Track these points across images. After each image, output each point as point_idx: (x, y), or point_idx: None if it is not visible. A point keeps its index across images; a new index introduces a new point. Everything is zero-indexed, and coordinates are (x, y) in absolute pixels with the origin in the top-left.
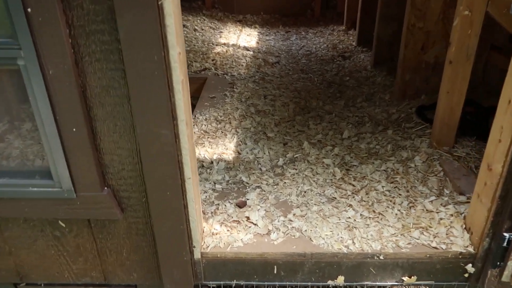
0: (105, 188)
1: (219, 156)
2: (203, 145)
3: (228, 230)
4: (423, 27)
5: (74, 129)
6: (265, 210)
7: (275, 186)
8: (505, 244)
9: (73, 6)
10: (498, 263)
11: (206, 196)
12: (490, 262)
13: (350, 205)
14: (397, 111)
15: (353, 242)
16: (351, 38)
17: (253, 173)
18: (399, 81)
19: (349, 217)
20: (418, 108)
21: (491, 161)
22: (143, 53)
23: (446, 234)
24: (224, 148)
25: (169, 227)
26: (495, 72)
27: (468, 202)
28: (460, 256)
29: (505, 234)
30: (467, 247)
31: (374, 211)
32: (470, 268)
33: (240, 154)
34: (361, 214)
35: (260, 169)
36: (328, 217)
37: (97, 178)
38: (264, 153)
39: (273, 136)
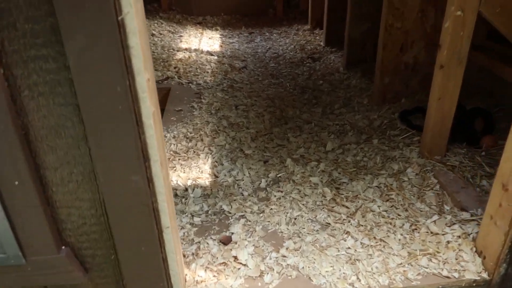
0: (63, 247)
1: (194, 182)
2: (175, 169)
3: (214, 276)
4: (401, 27)
5: (16, 182)
6: (253, 245)
7: (261, 215)
8: None
9: (3, 26)
10: None
11: (184, 233)
12: None
13: (348, 232)
14: (378, 117)
15: (357, 278)
16: (318, 38)
17: (234, 200)
18: (378, 85)
19: (349, 247)
20: (401, 113)
21: (507, 181)
22: (101, 83)
23: (456, 259)
24: (199, 171)
25: (147, 287)
26: (474, 70)
27: (473, 219)
28: (474, 284)
29: None
30: (480, 273)
31: (375, 238)
32: None
33: (217, 177)
34: (361, 243)
35: (242, 194)
36: (326, 249)
37: (51, 238)
38: (244, 174)
39: (251, 153)
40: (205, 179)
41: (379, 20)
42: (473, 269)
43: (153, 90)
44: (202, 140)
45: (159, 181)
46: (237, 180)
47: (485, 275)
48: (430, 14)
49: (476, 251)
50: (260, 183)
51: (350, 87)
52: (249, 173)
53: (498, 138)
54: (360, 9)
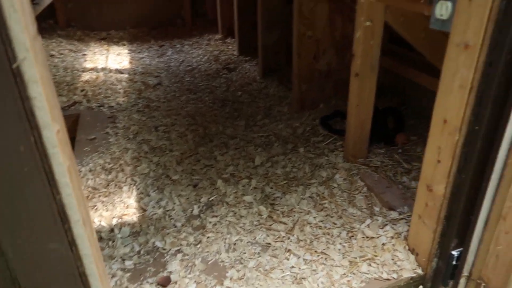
0: None
1: (120, 220)
2: (96, 208)
3: None
4: (312, 35)
5: None
6: (195, 281)
7: (198, 246)
8: (454, 262)
9: None
10: (449, 281)
11: (116, 282)
12: (440, 281)
13: (289, 250)
14: (301, 125)
15: None
16: (230, 47)
17: (167, 234)
18: (296, 93)
19: (293, 266)
20: (321, 119)
21: (431, 182)
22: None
23: (392, 260)
24: (124, 207)
25: None
26: (381, 72)
27: (402, 218)
28: (411, 281)
29: (453, 252)
30: (415, 269)
31: (316, 251)
32: None
33: (145, 210)
34: (304, 259)
35: (175, 225)
36: (270, 272)
37: None
38: (174, 203)
39: (179, 178)
40: (132, 214)
41: (289, 28)
42: (409, 267)
43: (66, 142)
44: (122, 170)
45: (83, 242)
46: (167, 211)
47: (419, 270)
48: (337, 23)
49: (409, 249)
50: (192, 210)
51: (269, 96)
52: (179, 200)
53: (409, 134)
54: (270, 17)
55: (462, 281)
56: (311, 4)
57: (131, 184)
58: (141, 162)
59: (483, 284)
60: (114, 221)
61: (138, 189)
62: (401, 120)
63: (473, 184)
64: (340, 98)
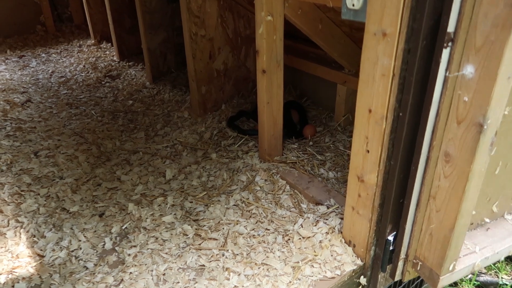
0: None
1: (10, 275)
2: None
3: None
4: (205, 34)
5: None
6: None
7: (121, 286)
8: (391, 247)
9: None
10: (387, 266)
11: None
12: (378, 267)
13: (227, 269)
14: (206, 129)
15: None
16: (108, 53)
17: (78, 280)
18: (195, 96)
19: (236, 286)
20: (228, 120)
21: (361, 172)
22: None
23: (332, 256)
24: (13, 258)
25: None
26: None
27: (332, 212)
28: (353, 273)
29: (389, 238)
30: (354, 261)
31: (256, 264)
32: (363, 280)
33: (43, 257)
34: (245, 275)
35: (86, 267)
36: None
37: None
38: (79, 240)
39: (79, 209)
40: (27, 265)
41: (176, 28)
42: (348, 260)
43: None
44: (1, 211)
45: None
46: (72, 252)
47: (359, 261)
48: (229, 20)
49: (345, 242)
50: (104, 244)
51: (165, 102)
52: (85, 236)
53: (315, 126)
54: (152, 19)
55: (400, 264)
56: (199, 1)
57: (16, 227)
58: (24, 198)
59: (420, 263)
60: (3, 278)
61: (28, 231)
62: (303, 112)
63: (402, 169)
64: (241, 97)
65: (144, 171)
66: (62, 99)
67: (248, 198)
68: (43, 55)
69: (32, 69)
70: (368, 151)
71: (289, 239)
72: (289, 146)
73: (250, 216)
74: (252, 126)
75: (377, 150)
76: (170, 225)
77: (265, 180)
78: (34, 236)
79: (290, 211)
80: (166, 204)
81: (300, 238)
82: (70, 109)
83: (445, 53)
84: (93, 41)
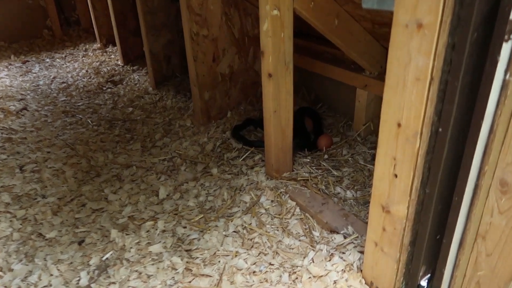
0: None
1: None
2: None
3: None
4: (208, 34)
5: None
6: None
7: None
8: None
9: None
10: None
11: None
12: None
13: None
14: (209, 140)
15: None
16: (113, 57)
17: None
18: (198, 102)
19: None
20: (233, 130)
21: (387, 202)
22: None
23: None
24: None
25: None
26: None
27: (350, 243)
28: None
29: (422, 283)
30: None
31: None
32: None
33: None
34: None
35: None
36: None
37: None
38: (51, 275)
39: (57, 235)
40: None
41: (181, 30)
42: None
43: None
44: None
45: None
46: None
47: None
48: (234, 18)
49: (366, 283)
50: (79, 280)
51: (167, 109)
52: (58, 269)
53: (331, 136)
54: (154, 20)
55: None
56: None
57: None
58: None
59: None
60: None
61: None
62: (319, 120)
63: (441, 199)
64: (249, 103)
65: (135, 188)
66: (59, 107)
67: (250, 223)
68: (48, 60)
69: (34, 75)
70: (396, 176)
71: (296, 278)
72: (300, 160)
73: (252, 246)
74: (260, 136)
75: (408, 175)
76: (157, 257)
77: (272, 201)
78: (1, 270)
79: (300, 240)
80: (156, 229)
81: (310, 277)
82: (66, 118)
83: (506, 48)
84: (99, 45)
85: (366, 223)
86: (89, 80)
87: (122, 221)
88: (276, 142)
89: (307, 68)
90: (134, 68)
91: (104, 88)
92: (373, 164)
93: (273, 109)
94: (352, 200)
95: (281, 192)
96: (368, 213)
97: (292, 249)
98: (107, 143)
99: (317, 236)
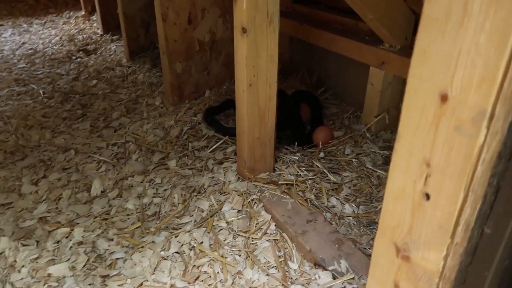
0: None
1: None
2: None
3: None
4: None
5: None
6: None
7: None
8: None
9: None
10: None
11: None
12: None
13: None
14: (176, 123)
15: None
16: (95, 25)
17: None
18: (168, 76)
19: None
20: (206, 112)
21: (407, 240)
22: None
23: None
24: None
25: None
26: (282, 41)
27: (340, 280)
28: None
29: None
30: None
31: None
32: None
33: None
34: None
35: None
36: None
37: None
38: None
39: None
40: None
41: None
42: None
43: None
44: None
45: None
46: None
47: None
48: None
49: None
50: None
51: (137, 84)
52: None
53: (332, 128)
54: None
55: None
56: None
57: None
58: None
59: None
60: None
61: None
62: (318, 108)
63: None
64: (234, 82)
65: (63, 180)
66: (14, 74)
67: (201, 242)
68: (24, 25)
69: (3, 39)
70: (427, 197)
71: None
72: (286, 158)
73: (197, 278)
74: None
75: (454, 196)
76: (57, 283)
77: (238, 211)
78: None
79: (268, 275)
80: (70, 240)
81: None
82: (16, 86)
83: None
84: (83, 12)
85: (369, 256)
86: (60, 48)
87: (28, 223)
88: (251, 130)
89: (309, 40)
90: (113, 37)
91: (73, 58)
92: (386, 171)
93: (247, 82)
94: (351, 218)
95: (253, 200)
96: (373, 240)
97: None
98: (52, 119)
99: (294, 271)
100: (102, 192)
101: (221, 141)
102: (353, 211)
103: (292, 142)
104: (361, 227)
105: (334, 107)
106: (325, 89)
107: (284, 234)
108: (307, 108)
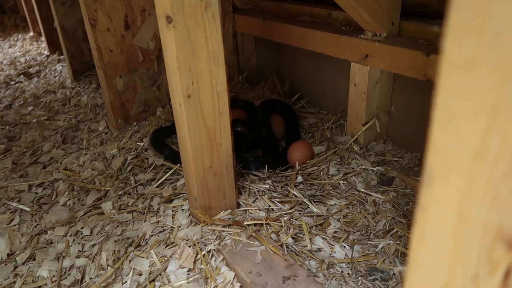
0: None
1: None
2: None
3: None
4: None
5: None
6: None
7: None
8: None
9: None
10: None
11: None
12: None
13: None
14: (120, 151)
15: None
16: (44, 45)
17: None
18: (107, 94)
19: None
20: (153, 135)
21: None
22: None
23: None
24: None
25: None
26: (245, 41)
27: None
28: None
29: None
30: None
31: None
32: None
33: None
34: None
35: None
36: None
37: None
38: None
39: None
40: None
41: None
42: None
43: None
44: None
45: None
46: None
47: None
48: None
49: None
50: None
51: (80, 108)
52: None
53: (311, 144)
54: None
55: None
56: None
57: None
58: None
59: None
60: None
61: None
62: (293, 120)
63: None
64: None
65: None
66: None
67: None
68: None
69: None
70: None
71: None
72: (254, 188)
73: None
74: None
75: None
76: None
77: (189, 270)
78: None
79: None
80: None
81: None
82: None
83: None
84: (32, 34)
85: None
86: None
87: None
88: (198, 157)
89: (274, 38)
90: (61, 57)
91: (12, 83)
92: (383, 193)
93: (183, 92)
94: (344, 266)
95: (209, 251)
96: None
97: None
98: None
99: None
100: (9, 255)
101: (171, 171)
102: (346, 254)
103: (262, 166)
104: (359, 277)
105: (312, 117)
106: (300, 96)
107: None
108: (279, 120)
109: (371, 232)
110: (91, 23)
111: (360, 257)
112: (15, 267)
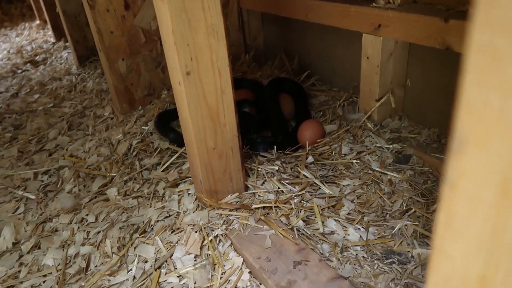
0: None
1: None
2: None
3: None
4: None
5: None
6: None
7: None
8: None
9: None
10: None
11: None
12: None
13: None
14: (125, 136)
15: None
16: (49, 33)
17: None
18: (110, 78)
19: None
20: (157, 119)
21: None
22: None
23: None
24: None
25: None
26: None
27: None
28: None
29: None
30: None
31: None
32: None
33: None
34: None
35: None
36: None
37: None
38: None
39: None
40: None
41: None
42: None
43: None
44: None
45: None
46: None
47: None
48: None
49: None
50: None
51: (86, 94)
52: None
53: (323, 122)
54: None
55: None
56: None
57: None
58: None
59: None
60: None
61: None
62: (303, 98)
63: None
64: None
65: None
66: None
67: None
68: None
69: None
70: None
71: None
72: (262, 169)
73: None
74: None
75: None
76: None
77: (196, 256)
78: None
79: None
80: None
81: None
82: None
83: None
84: (38, 22)
85: None
86: (6, 62)
87: None
88: (201, 139)
89: (281, 13)
90: (67, 44)
91: (19, 71)
92: (399, 171)
93: (182, 69)
94: (359, 249)
95: (216, 237)
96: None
97: None
98: None
99: None
100: (14, 243)
101: (176, 155)
102: (361, 236)
103: (271, 146)
104: (375, 261)
105: (323, 95)
106: (309, 73)
107: (262, 286)
108: (288, 99)
109: (387, 213)
110: (89, 4)
111: (375, 239)
112: (20, 256)
